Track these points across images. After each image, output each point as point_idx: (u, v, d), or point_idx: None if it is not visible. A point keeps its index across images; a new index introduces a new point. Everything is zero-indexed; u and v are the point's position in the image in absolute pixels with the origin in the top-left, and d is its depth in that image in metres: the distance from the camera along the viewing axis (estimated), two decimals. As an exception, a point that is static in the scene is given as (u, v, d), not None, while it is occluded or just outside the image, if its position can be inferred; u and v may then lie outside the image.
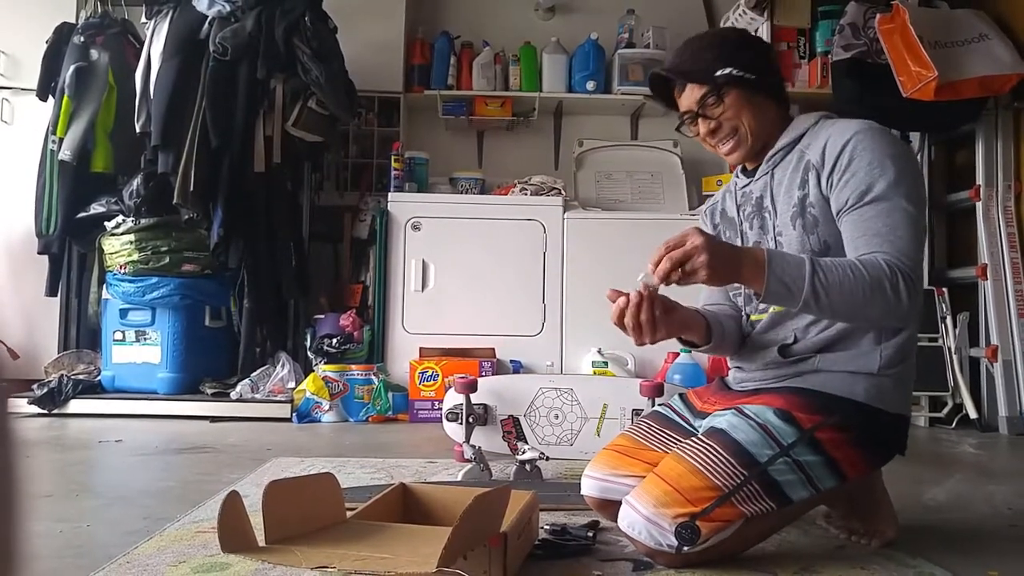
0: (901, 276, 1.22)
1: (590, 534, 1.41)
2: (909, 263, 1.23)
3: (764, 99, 1.45)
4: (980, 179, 3.27)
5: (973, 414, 3.06)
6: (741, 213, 1.52)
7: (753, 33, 1.49)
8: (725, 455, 1.28)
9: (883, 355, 1.35)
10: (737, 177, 1.56)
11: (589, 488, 1.49)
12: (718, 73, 1.41)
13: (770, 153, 1.45)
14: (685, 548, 1.24)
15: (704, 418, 1.46)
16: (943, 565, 1.33)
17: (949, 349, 3.16)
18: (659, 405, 1.69)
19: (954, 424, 3.10)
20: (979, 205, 3.24)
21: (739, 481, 1.26)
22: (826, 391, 1.34)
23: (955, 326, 3.19)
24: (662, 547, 1.25)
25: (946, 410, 3.14)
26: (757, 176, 1.48)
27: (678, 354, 3.21)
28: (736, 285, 1.43)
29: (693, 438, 1.37)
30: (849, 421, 1.32)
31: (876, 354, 1.35)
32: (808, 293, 1.21)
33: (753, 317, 1.50)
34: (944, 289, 3.25)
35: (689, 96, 1.46)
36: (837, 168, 1.33)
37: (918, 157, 3.38)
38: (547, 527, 1.44)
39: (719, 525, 1.24)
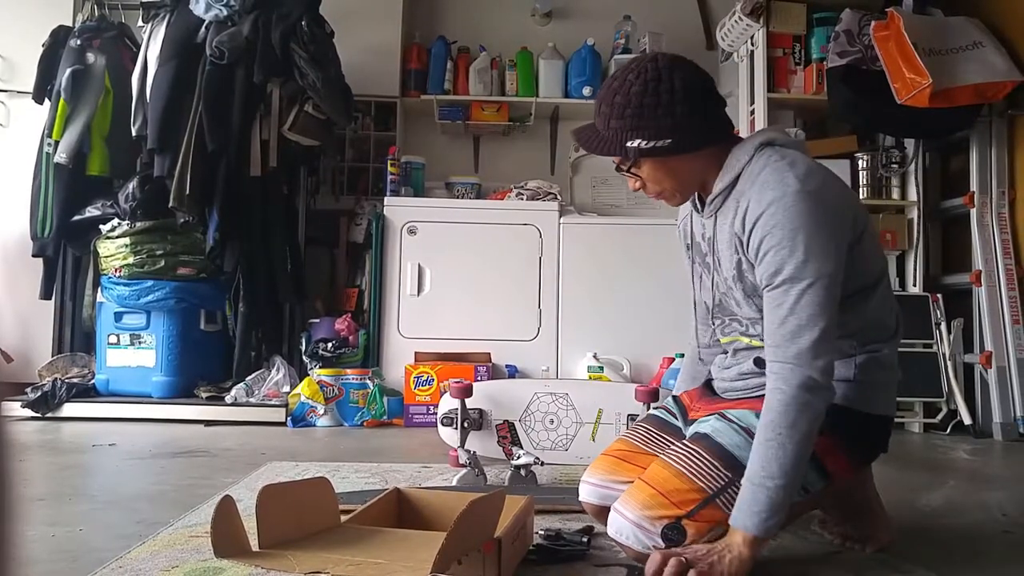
0: (810, 392, 1.22)
1: (584, 539, 1.41)
2: (816, 364, 1.22)
3: (689, 156, 1.35)
4: (974, 186, 3.28)
5: (967, 420, 3.06)
6: (703, 245, 1.48)
7: (670, 72, 1.32)
8: (709, 458, 1.29)
9: (857, 363, 1.37)
10: (694, 207, 1.50)
11: (587, 494, 1.49)
12: (627, 145, 1.33)
13: (709, 199, 1.40)
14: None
15: (693, 424, 1.47)
16: (937, 570, 1.33)
17: (943, 355, 3.17)
18: (654, 408, 1.69)
19: (948, 430, 3.11)
20: (973, 212, 3.25)
21: (723, 483, 1.27)
22: None
23: (949, 332, 3.19)
24: (650, 550, 1.25)
25: (940, 416, 3.14)
26: (705, 216, 1.43)
27: (673, 359, 3.21)
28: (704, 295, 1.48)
29: (678, 443, 1.38)
30: (832, 423, 1.32)
31: (851, 363, 1.37)
32: (788, 497, 1.21)
33: (723, 340, 1.50)
34: (938, 295, 3.26)
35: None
36: (751, 244, 1.29)
37: (913, 164, 3.39)
38: (542, 532, 1.44)
39: (705, 526, 1.26)
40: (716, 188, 1.38)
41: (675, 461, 1.31)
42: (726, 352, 1.50)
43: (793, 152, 1.34)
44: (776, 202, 1.26)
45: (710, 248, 1.44)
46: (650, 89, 1.32)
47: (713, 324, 1.51)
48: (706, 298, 1.51)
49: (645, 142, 1.32)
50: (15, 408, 3.04)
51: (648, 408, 2.50)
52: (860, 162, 3.40)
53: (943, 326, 3.20)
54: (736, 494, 1.26)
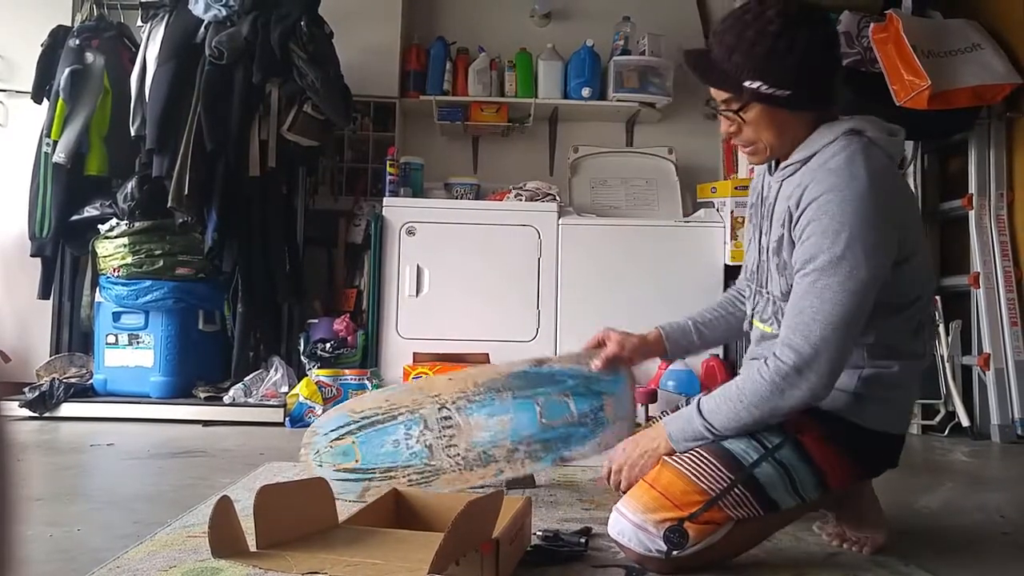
0: (792, 385, 1.23)
1: (582, 540, 1.41)
2: (812, 354, 1.21)
3: (794, 114, 1.32)
4: (972, 188, 3.28)
5: (965, 422, 3.07)
6: (762, 207, 1.45)
7: (812, 22, 1.28)
8: (711, 460, 1.28)
9: (862, 376, 1.34)
10: (768, 166, 1.47)
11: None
12: (745, 84, 1.27)
13: (784, 164, 1.37)
14: (674, 552, 1.24)
15: None
16: (935, 572, 1.33)
17: (942, 357, 3.17)
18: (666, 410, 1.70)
19: (946, 432, 3.11)
20: (971, 214, 3.25)
21: (726, 485, 1.26)
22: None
23: (947, 334, 3.20)
24: (651, 553, 1.25)
25: (938, 418, 3.14)
26: (774, 178, 1.40)
27: (671, 361, 3.21)
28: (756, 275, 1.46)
29: None
30: (832, 431, 1.32)
31: (855, 374, 1.34)
32: (715, 439, 1.30)
33: (756, 323, 1.49)
34: (937, 297, 3.26)
35: (715, 91, 1.35)
36: (798, 224, 1.28)
37: (912, 165, 3.39)
38: (539, 533, 1.44)
39: (707, 528, 1.25)
40: (794, 156, 1.34)
41: (677, 462, 1.31)
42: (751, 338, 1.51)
43: (876, 149, 1.31)
44: (835, 190, 1.23)
45: (767, 211, 1.42)
46: (788, 33, 1.25)
47: (748, 289, 1.51)
48: (749, 260, 1.50)
49: (766, 86, 1.26)
50: (13, 408, 3.04)
51: (647, 409, 2.52)
52: (859, 164, 3.40)
53: (941, 328, 3.20)
54: (738, 497, 1.26)
